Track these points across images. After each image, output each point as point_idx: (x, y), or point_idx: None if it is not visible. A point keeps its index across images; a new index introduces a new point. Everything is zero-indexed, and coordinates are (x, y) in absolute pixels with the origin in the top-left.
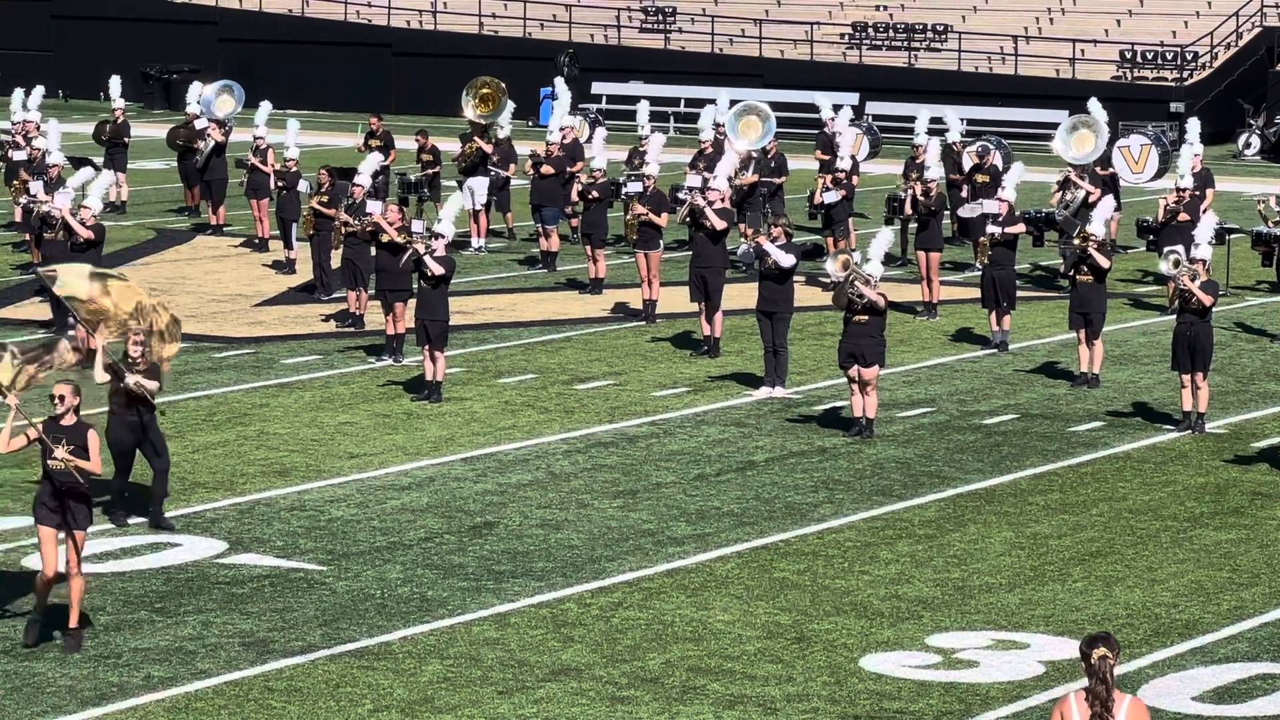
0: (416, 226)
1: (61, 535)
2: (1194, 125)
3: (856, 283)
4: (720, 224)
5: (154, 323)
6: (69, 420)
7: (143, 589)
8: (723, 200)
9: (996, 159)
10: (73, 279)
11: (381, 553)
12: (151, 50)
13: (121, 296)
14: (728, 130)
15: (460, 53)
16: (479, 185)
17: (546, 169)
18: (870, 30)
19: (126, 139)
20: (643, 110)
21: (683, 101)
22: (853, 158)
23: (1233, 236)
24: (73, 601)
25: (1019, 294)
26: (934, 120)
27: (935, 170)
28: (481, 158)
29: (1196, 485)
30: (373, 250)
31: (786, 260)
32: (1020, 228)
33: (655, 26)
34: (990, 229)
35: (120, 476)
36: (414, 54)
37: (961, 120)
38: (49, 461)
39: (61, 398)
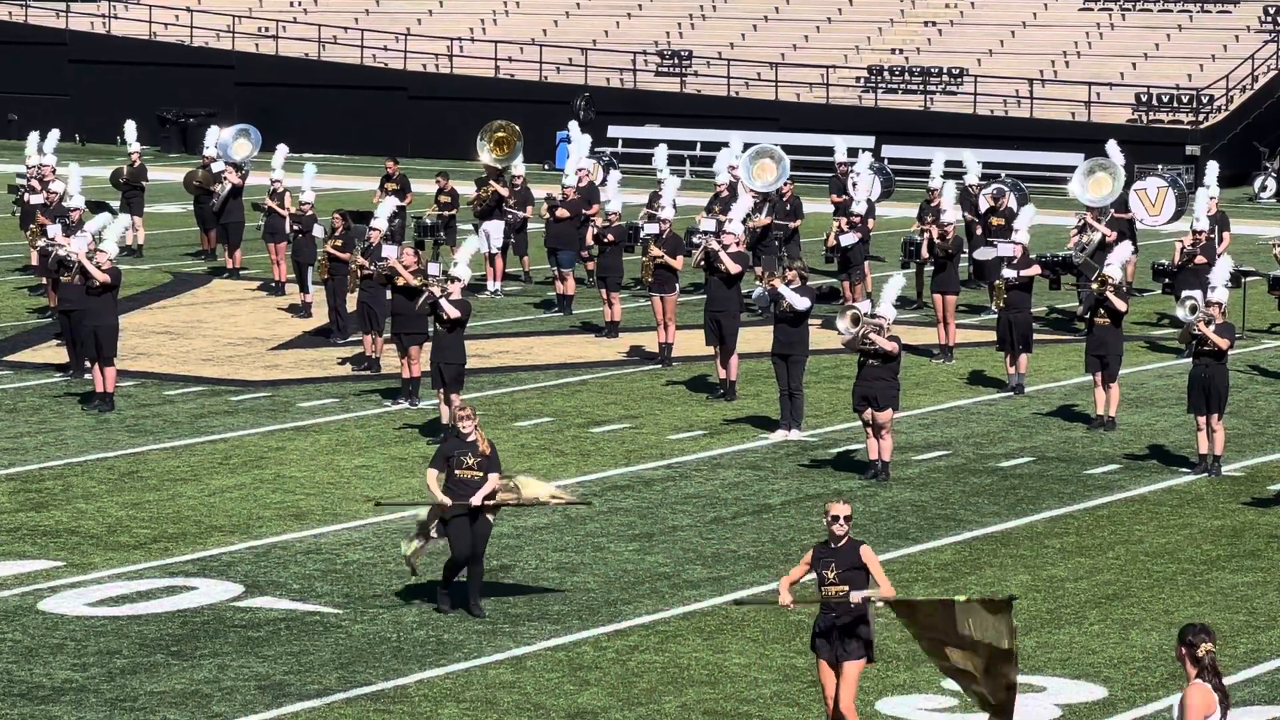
0: (432, 270)
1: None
2: (1213, 168)
3: (870, 334)
4: (735, 268)
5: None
6: (843, 542)
7: (159, 632)
8: (738, 244)
9: (1012, 201)
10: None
11: (398, 596)
12: (168, 94)
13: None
14: (742, 173)
15: (476, 96)
16: (494, 229)
17: (562, 212)
18: (886, 74)
19: (143, 183)
20: (660, 154)
21: (698, 145)
22: (868, 200)
23: (1249, 280)
24: None
25: (1035, 337)
26: (949, 163)
27: (951, 214)
28: (497, 201)
29: (1213, 528)
30: (388, 294)
31: (801, 303)
32: (1035, 270)
33: (671, 70)
34: (1006, 272)
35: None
36: (430, 98)
37: (979, 163)
38: (823, 589)
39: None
